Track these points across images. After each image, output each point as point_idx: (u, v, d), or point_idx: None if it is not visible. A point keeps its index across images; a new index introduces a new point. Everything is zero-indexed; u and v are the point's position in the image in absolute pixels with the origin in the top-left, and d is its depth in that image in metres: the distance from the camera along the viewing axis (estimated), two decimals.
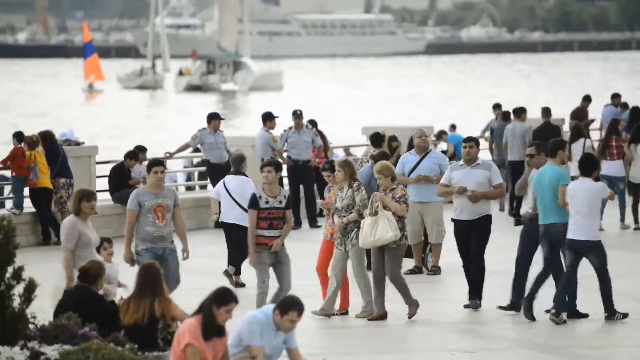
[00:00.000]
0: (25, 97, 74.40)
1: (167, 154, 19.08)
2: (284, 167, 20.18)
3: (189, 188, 21.71)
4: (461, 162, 12.25)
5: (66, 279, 10.04)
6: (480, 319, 12.02)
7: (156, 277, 8.91)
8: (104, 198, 18.20)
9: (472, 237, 12.12)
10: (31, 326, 8.30)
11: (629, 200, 17.72)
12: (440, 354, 10.80)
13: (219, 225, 14.32)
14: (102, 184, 18.23)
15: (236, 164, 13.71)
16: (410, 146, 15.12)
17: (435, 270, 14.25)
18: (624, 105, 22.73)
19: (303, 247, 14.65)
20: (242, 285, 13.43)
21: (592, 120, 23.21)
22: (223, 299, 7.97)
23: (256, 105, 62.38)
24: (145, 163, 19.07)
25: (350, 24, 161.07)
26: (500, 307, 11.99)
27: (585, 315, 11.72)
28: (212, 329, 7.94)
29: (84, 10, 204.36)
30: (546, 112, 20.01)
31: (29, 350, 8.06)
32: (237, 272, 13.62)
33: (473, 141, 12.25)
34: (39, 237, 17.00)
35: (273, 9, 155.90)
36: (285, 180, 18.70)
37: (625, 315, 11.63)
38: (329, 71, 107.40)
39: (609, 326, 11.59)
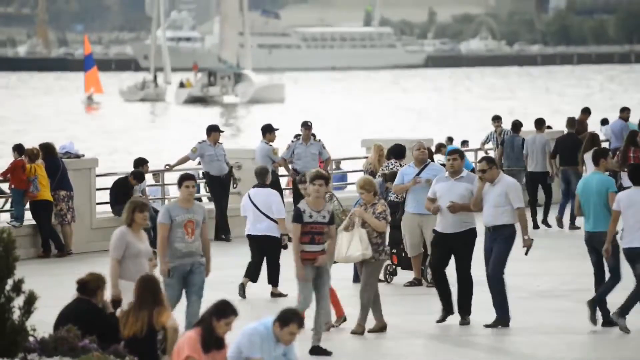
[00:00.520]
0: (25, 110, 74.50)
1: (167, 167, 19.10)
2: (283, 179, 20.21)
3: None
4: (446, 174, 12.22)
5: (112, 288, 9.98)
6: (479, 332, 12.01)
7: (155, 287, 8.92)
8: (104, 210, 18.22)
9: (456, 251, 12.01)
10: (31, 338, 8.30)
11: None
12: None
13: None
14: (102, 196, 18.24)
15: (261, 177, 13.77)
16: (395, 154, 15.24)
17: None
18: (604, 122, 22.81)
19: None
20: (283, 295, 13.53)
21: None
22: (223, 311, 7.98)
23: (257, 117, 62.46)
24: (154, 175, 19.17)
25: (350, 36, 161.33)
26: (487, 325, 11.94)
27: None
28: (211, 341, 7.94)
29: (84, 24, 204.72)
30: (570, 123, 20.10)
31: None
32: (276, 284, 13.70)
33: (457, 153, 12.18)
34: (39, 250, 17.01)
35: (273, 22, 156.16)
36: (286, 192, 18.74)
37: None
38: (329, 84, 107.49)
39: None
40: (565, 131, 20.33)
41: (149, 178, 19.01)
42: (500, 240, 11.78)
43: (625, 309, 11.62)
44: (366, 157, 19.33)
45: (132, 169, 17.97)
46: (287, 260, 12.01)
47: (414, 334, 11.87)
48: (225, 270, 14.12)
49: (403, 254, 14.37)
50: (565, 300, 13.40)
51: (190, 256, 10.93)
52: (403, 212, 14.03)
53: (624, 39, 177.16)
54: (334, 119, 60.04)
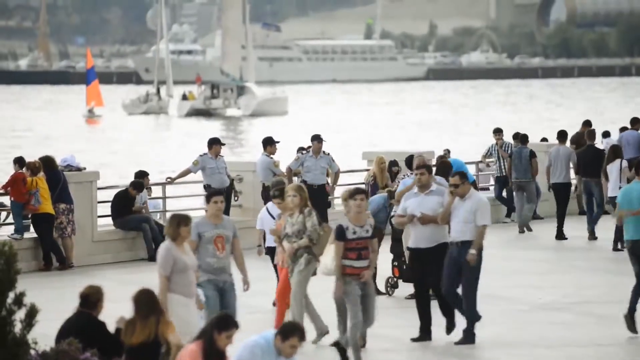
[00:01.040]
0: (26, 123, 74.59)
1: (168, 179, 19.12)
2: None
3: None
4: (415, 189, 12.11)
5: (161, 305, 9.94)
6: (482, 345, 11.99)
7: (156, 298, 8.93)
8: (105, 223, 18.23)
9: (432, 266, 11.91)
10: (32, 352, 8.30)
11: None
12: None
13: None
14: (104, 209, 18.25)
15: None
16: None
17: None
18: (623, 129, 22.80)
19: None
20: None
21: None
22: (224, 324, 7.98)
23: (259, 130, 62.48)
24: (147, 189, 19.22)
25: (351, 49, 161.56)
26: (456, 343, 11.82)
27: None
28: (212, 354, 7.94)
29: (85, 37, 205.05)
30: (591, 135, 20.21)
31: None
32: None
33: (424, 168, 12.11)
34: (40, 263, 17.00)
35: (274, 35, 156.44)
36: None
37: None
38: (331, 96, 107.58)
39: None
40: (568, 144, 20.45)
41: (145, 191, 19.00)
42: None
43: None
44: (367, 170, 19.35)
45: (132, 180, 17.99)
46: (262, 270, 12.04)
47: (415, 347, 11.85)
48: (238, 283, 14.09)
49: (404, 267, 14.36)
50: (567, 313, 13.38)
51: (222, 272, 10.87)
52: None
53: (625, 51, 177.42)
54: (336, 132, 60.10)
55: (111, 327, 9.08)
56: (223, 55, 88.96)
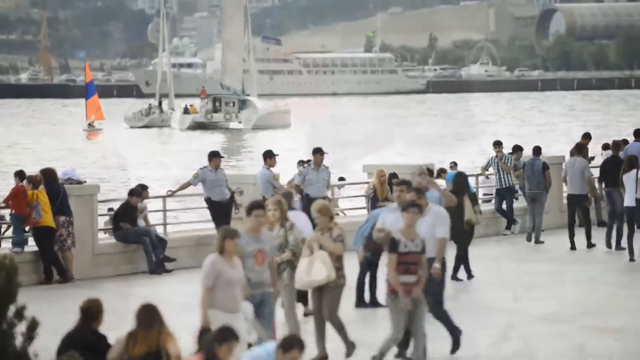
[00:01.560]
0: (27, 137, 74.62)
1: (169, 192, 19.15)
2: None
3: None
4: (395, 205, 12.00)
5: (202, 318, 9.89)
6: (488, 358, 11.99)
7: (158, 310, 8.94)
8: (106, 236, 18.24)
9: None
10: None
11: None
12: None
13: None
14: (104, 222, 18.26)
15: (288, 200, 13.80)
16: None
17: None
18: (625, 142, 22.84)
19: None
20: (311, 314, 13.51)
21: (593, 158, 23.31)
22: (225, 336, 7.99)
23: (260, 143, 62.49)
24: (147, 201, 19.24)
25: (351, 62, 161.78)
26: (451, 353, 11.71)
27: None
28: None
29: (86, 50, 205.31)
30: (616, 146, 20.41)
31: None
32: (306, 303, 13.68)
33: (404, 185, 12.05)
34: (40, 276, 17.01)
35: (274, 48, 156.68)
36: None
37: None
38: (331, 109, 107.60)
39: None
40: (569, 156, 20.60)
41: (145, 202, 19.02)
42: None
43: None
44: (367, 183, 19.37)
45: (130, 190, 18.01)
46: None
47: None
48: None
49: None
50: (566, 325, 13.37)
51: (260, 286, 10.77)
52: None
53: (624, 64, 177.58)
54: (337, 144, 60.07)
55: (112, 340, 9.08)
56: (223, 68, 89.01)
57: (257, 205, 10.91)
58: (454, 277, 16.28)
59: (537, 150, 20.85)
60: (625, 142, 23.49)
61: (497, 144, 22.27)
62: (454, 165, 24.38)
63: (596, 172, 20.29)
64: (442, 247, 11.59)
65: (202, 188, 18.83)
